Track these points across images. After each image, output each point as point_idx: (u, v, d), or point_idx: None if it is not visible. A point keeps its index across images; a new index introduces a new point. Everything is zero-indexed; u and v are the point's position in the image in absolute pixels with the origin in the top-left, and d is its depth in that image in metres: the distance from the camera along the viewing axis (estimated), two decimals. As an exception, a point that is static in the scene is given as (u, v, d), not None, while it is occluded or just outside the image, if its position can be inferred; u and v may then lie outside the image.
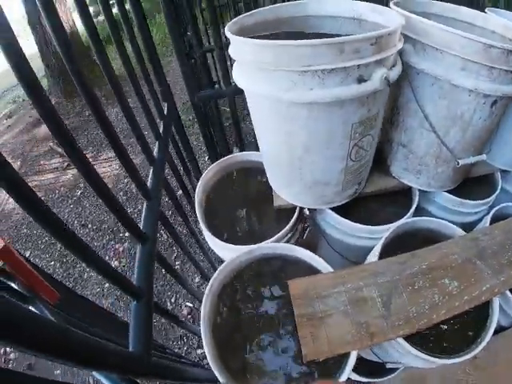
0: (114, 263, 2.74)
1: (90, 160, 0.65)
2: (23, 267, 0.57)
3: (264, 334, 0.89)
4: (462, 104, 0.96)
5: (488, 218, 1.23)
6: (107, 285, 2.59)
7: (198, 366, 1.30)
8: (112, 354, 0.56)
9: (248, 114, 3.27)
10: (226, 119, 3.10)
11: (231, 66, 0.97)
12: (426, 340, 0.90)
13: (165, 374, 0.79)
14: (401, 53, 0.93)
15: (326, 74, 0.72)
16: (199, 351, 2.12)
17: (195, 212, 1.25)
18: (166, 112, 1.40)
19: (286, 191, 1.16)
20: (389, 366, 1.18)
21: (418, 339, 0.89)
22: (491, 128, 1.07)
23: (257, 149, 1.20)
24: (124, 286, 0.71)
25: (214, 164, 1.35)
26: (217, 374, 0.78)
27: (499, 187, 1.37)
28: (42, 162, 4.10)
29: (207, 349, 0.82)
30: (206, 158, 3.45)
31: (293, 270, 1.01)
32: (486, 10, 1.22)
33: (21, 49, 0.49)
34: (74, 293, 0.77)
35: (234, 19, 0.92)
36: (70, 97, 5.07)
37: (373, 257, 1.08)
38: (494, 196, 1.33)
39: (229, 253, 1.10)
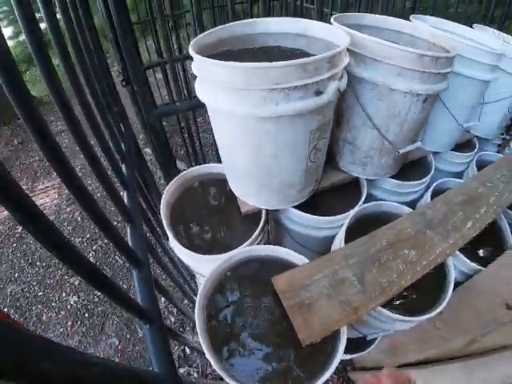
0: (73, 298, 2.63)
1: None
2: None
3: (251, 327, 0.98)
4: (398, 104, 1.13)
5: (428, 194, 1.44)
6: (69, 323, 2.49)
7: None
8: (144, 378, 0.53)
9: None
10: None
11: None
12: (400, 305, 1.06)
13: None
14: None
15: (291, 90, 0.83)
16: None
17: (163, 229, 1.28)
18: (124, 132, 1.41)
19: (253, 198, 1.26)
20: (369, 337, 1.32)
21: (392, 306, 1.04)
22: (423, 120, 1.26)
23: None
24: (135, 310, 0.68)
25: (175, 179, 1.40)
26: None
27: (433, 167, 1.60)
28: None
29: (204, 345, 0.90)
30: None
31: (273, 267, 1.10)
32: (410, 18, 1.43)
33: None
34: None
35: (195, 39, 0.99)
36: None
37: (338, 243, 1.22)
38: (429, 175, 1.55)
39: (205, 264, 1.17)
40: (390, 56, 1.03)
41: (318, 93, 0.89)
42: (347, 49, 1.03)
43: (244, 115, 0.89)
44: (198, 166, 1.47)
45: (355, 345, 1.61)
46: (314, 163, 1.12)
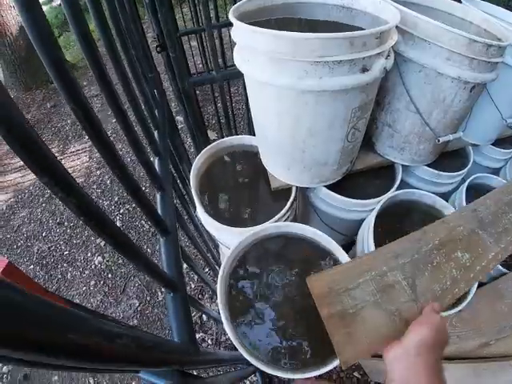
0: (98, 259, 2.73)
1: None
2: (30, 283, 0.53)
3: (270, 301, 0.99)
4: (445, 89, 1.09)
5: (464, 188, 1.40)
6: (93, 282, 2.59)
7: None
8: (166, 348, 0.54)
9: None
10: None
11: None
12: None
13: (211, 360, 0.82)
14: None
15: (336, 64, 0.82)
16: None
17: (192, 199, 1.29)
18: (158, 99, 1.42)
19: (285, 173, 1.26)
20: None
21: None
22: (468, 110, 1.22)
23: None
24: (160, 278, 0.68)
25: (206, 148, 1.40)
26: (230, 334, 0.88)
27: (471, 160, 1.56)
28: (5, 162, 3.97)
29: (223, 314, 0.92)
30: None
31: (298, 245, 1.11)
32: (462, 0, 1.36)
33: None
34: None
35: (235, 5, 0.98)
36: (28, 89, 4.91)
37: (366, 229, 1.21)
38: (467, 168, 1.50)
39: (231, 236, 1.19)
40: (441, 38, 0.99)
41: (364, 70, 0.87)
42: (400, 28, 1.01)
43: (284, 87, 0.89)
44: (231, 137, 1.46)
45: None
46: (351, 143, 1.11)
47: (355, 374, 2.03)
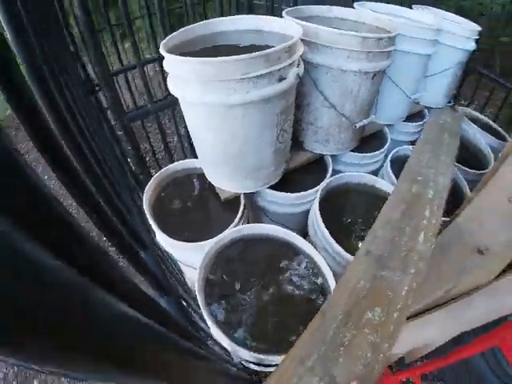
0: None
1: None
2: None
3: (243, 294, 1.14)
4: (350, 83, 1.31)
5: (387, 163, 1.64)
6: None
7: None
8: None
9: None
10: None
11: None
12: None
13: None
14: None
15: (258, 78, 0.98)
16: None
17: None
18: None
19: (230, 183, 1.40)
20: None
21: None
22: (374, 95, 1.45)
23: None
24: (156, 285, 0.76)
25: (153, 178, 1.50)
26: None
27: (389, 138, 1.81)
28: None
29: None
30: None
31: (260, 243, 1.28)
32: (354, 5, 1.62)
33: None
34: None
35: (164, 41, 1.11)
36: None
37: (313, 215, 1.38)
38: (386, 146, 1.75)
39: (195, 251, 1.28)
40: (339, 41, 1.20)
41: (281, 79, 1.05)
42: (304, 40, 1.21)
43: (217, 104, 1.04)
44: (174, 164, 1.58)
45: None
46: (282, 144, 1.29)
47: None
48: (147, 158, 3.39)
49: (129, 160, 1.98)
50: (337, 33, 1.19)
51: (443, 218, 1.36)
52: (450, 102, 2.39)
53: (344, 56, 1.23)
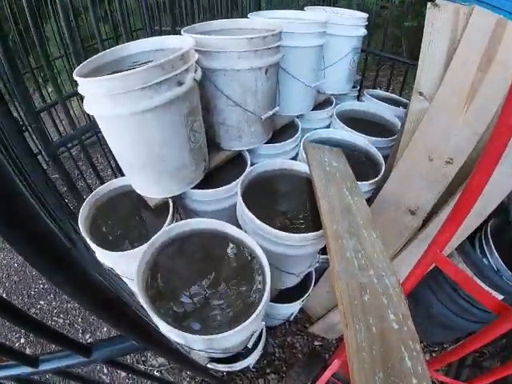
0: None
1: None
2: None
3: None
4: (246, 80, 1.58)
5: (301, 147, 1.89)
6: None
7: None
8: None
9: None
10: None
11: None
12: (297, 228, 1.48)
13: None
14: (198, 62, 1.47)
15: (159, 85, 1.21)
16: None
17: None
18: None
19: (155, 189, 1.59)
20: (297, 273, 1.77)
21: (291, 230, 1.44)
22: (272, 88, 1.74)
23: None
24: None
25: (86, 200, 1.65)
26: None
27: (300, 127, 2.12)
28: None
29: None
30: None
31: (196, 238, 1.49)
32: (248, 16, 1.93)
33: None
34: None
35: (76, 69, 1.28)
36: None
37: (239, 205, 1.59)
38: (297, 134, 2.05)
39: (131, 259, 1.43)
40: (228, 46, 1.48)
41: (180, 83, 1.29)
42: (199, 50, 1.47)
43: (127, 114, 1.24)
44: (104, 185, 1.76)
45: (297, 290, 2.06)
46: (195, 143, 1.52)
47: (316, 343, 2.38)
48: (79, 185, 3.53)
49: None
50: (222, 39, 1.47)
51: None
52: (355, 87, 2.73)
53: (235, 57, 1.50)
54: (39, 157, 2.79)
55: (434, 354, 2.29)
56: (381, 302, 1.06)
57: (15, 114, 2.91)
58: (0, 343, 0.64)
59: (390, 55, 3.01)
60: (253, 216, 1.46)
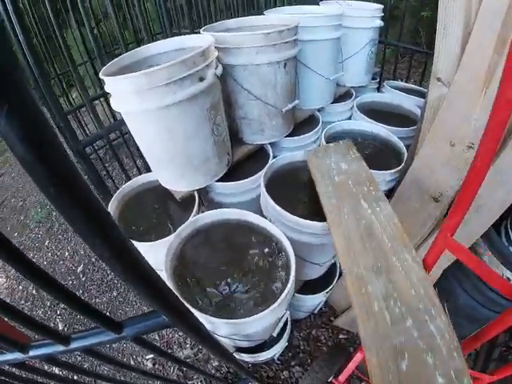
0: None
1: None
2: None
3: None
4: (266, 74, 1.65)
5: (323, 140, 1.95)
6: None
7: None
8: None
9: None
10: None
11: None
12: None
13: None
14: (219, 58, 1.56)
15: (182, 80, 1.29)
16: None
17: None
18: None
19: (182, 183, 1.68)
20: (322, 264, 1.82)
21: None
22: (291, 81, 1.80)
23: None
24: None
25: (114, 196, 1.76)
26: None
27: (320, 120, 2.18)
28: None
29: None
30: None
31: (221, 228, 1.57)
32: (264, 13, 2.01)
33: None
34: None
35: (103, 69, 1.38)
36: None
37: (263, 196, 1.66)
38: (318, 127, 2.10)
39: (160, 249, 1.51)
40: (246, 42, 1.55)
41: (202, 79, 1.36)
42: (219, 47, 1.55)
43: (154, 108, 1.33)
44: (131, 181, 1.86)
45: (321, 282, 2.11)
46: (219, 137, 1.59)
47: (340, 336, 2.42)
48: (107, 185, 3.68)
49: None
50: (239, 35, 1.55)
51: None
52: (374, 79, 2.77)
53: (253, 52, 1.57)
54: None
55: (459, 350, 2.29)
56: (424, 365, 0.87)
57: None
58: (33, 320, 0.70)
59: (408, 46, 3.05)
60: (275, 205, 1.53)
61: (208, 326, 1.24)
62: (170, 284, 1.32)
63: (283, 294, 1.26)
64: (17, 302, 3.33)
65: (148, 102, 1.30)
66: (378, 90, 2.99)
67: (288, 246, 1.42)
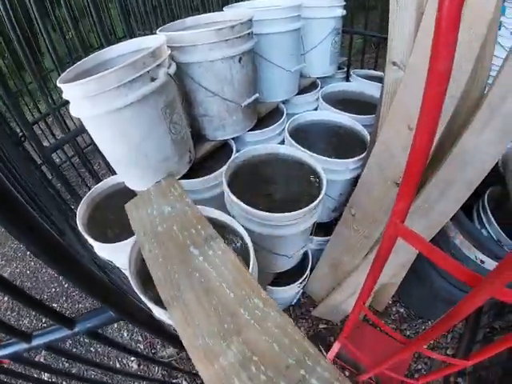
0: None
1: None
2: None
3: None
4: (221, 69, 1.68)
5: (286, 133, 1.98)
6: None
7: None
8: None
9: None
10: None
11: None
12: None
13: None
14: (173, 57, 1.60)
15: (132, 82, 1.31)
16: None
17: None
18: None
19: (143, 183, 1.68)
20: (291, 254, 1.85)
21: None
22: (249, 75, 1.83)
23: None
24: None
25: (83, 199, 1.79)
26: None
27: (285, 112, 2.21)
28: None
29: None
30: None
31: None
32: (223, 9, 2.05)
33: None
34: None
35: (60, 77, 1.39)
36: None
37: (227, 195, 1.68)
38: (282, 119, 2.13)
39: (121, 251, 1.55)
40: (198, 39, 1.58)
41: (153, 79, 1.38)
42: (173, 46, 1.59)
43: (104, 112, 1.35)
44: (101, 182, 1.90)
45: (296, 275, 2.17)
46: (177, 135, 1.61)
47: (320, 326, 2.48)
48: (83, 190, 3.73)
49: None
50: (193, 33, 1.57)
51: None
52: (341, 69, 2.81)
53: (207, 49, 1.60)
54: (43, 167, 2.95)
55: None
56: None
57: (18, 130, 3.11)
58: None
59: (374, 34, 3.11)
60: (237, 200, 1.55)
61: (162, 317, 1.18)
62: (134, 282, 1.35)
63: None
64: (2, 314, 3.36)
65: (99, 107, 1.32)
66: (347, 79, 3.01)
67: (247, 238, 1.43)
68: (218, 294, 0.99)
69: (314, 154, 1.83)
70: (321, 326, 2.46)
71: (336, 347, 1.75)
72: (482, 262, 1.77)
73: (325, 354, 2.01)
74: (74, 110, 1.41)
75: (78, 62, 1.51)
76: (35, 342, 0.86)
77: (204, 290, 1.02)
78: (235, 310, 0.94)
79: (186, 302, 1.00)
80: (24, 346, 0.85)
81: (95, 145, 2.34)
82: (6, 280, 0.61)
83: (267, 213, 1.49)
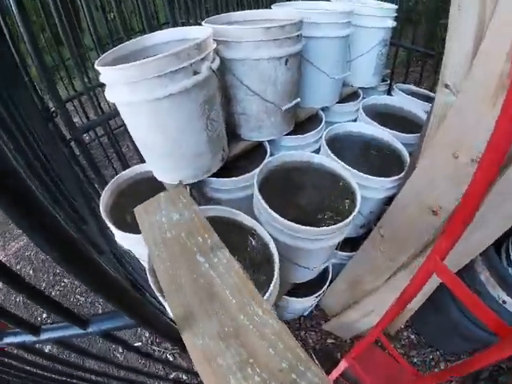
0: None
1: None
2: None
3: None
4: (266, 69, 1.62)
5: (323, 141, 1.92)
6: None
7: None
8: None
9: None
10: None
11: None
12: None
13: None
14: (218, 52, 1.54)
15: (173, 73, 1.27)
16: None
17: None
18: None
19: (173, 175, 1.65)
20: (312, 267, 1.79)
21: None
22: (293, 79, 1.77)
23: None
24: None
25: (109, 184, 1.77)
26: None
27: (323, 120, 2.14)
28: None
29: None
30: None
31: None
32: (271, 7, 2.00)
33: None
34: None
35: (98, 59, 1.36)
36: None
37: (257, 198, 1.63)
38: (320, 127, 2.06)
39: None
40: (246, 36, 1.52)
41: (196, 72, 1.34)
42: (219, 40, 1.53)
43: (142, 101, 1.31)
44: (126, 170, 1.87)
45: (314, 287, 2.11)
46: (213, 132, 1.56)
47: (328, 340, 2.42)
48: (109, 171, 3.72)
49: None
50: (241, 28, 1.53)
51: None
52: (384, 81, 2.73)
53: (253, 47, 1.54)
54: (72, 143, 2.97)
55: (448, 364, 2.30)
56: None
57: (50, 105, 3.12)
58: (5, 310, 0.70)
59: (421, 49, 3.02)
60: (267, 206, 1.50)
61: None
62: (151, 279, 1.31)
63: (266, 295, 1.25)
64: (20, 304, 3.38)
65: (138, 94, 1.29)
66: (388, 92, 2.92)
67: (273, 246, 1.41)
68: (221, 300, 1.04)
69: (351, 169, 1.76)
70: (329, 340, 2.41)
71: (343, 366, 1.70)
72: (504, 302, 1.70)
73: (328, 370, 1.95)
74: (110, 95, 1.38)
75: (118, 46, 1.48)
76: (44, 336, 0.83)
77: (208, 294, 1.06)
78: (236, 315, 1.00)
79: (188, 303, 1.05)
80: (32, 338, 0.82)
81: (126, 127, 2.35)
82: (13, 271, 0.56)
83: (297, 225, 1.44)
